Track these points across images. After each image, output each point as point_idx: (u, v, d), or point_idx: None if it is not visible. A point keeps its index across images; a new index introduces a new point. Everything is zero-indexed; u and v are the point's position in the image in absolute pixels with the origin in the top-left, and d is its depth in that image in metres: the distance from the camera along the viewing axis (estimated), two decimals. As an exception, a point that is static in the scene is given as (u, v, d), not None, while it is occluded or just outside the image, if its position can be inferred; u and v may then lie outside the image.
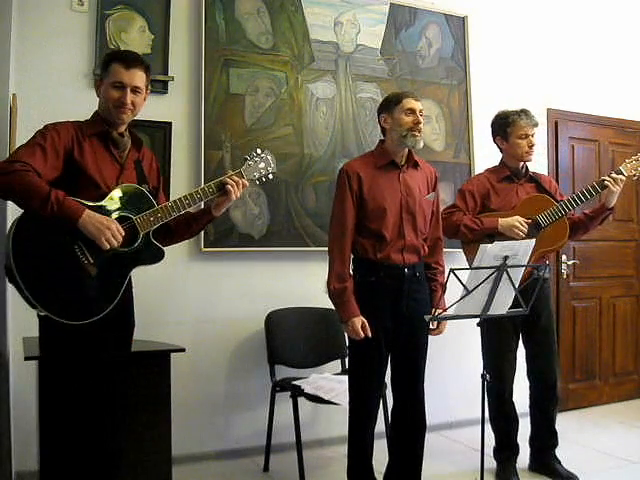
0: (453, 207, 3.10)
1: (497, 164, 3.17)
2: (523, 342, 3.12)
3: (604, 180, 2.92)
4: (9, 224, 2.71)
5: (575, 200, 2.92)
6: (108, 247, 2.03)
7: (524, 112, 3.05)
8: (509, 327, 3.01)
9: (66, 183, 2.04)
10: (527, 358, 3.13)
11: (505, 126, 3.07)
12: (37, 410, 2.52)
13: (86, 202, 2.04)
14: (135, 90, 2.16)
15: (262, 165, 2.41)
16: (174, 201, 2.21)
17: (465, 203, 3.06)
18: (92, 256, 2.04)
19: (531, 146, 3.03)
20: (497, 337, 3.02)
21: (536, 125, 3.05)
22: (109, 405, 2.19)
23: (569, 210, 2.94)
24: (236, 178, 2.29)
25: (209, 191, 2.26)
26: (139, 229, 2.14)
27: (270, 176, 2.44)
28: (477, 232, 2.96)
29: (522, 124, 3.03)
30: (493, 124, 3.15)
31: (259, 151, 2.43)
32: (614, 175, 2.92)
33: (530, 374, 3.14)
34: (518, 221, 2.90)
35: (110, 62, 2.18)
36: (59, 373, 2.10)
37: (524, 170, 3.11)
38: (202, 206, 2.40)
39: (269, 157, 2.43)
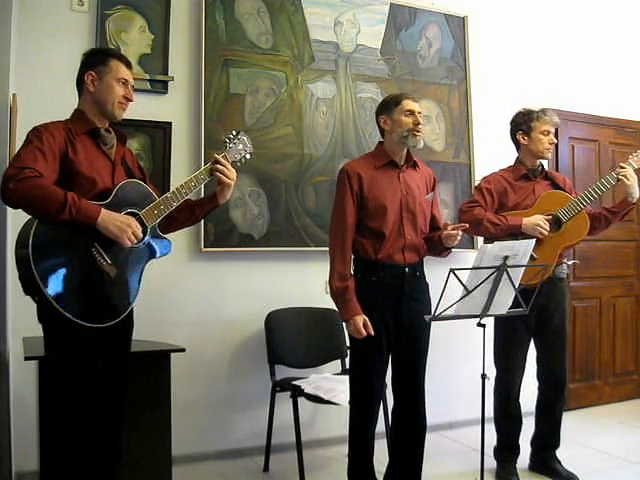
0: (473, 202, 3.09)
1: (512, 164, 3.17)
2: (534, 342, 3.12)
3: (618, 175, 2.95)
4: (9, 226, 2.73)
5: (593, 192, 2.95)
6: (130, 245, 2.05)
7: (546, 110, 3.09)
8: (521, 327, 3.00)
9: (62, 184, 2.02)
10: (538, 358, 3.14)
11: (529, 121, 3.08)
12: (37, 410, 2.52)
13: (95, 202, 2.05)
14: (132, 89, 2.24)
15: (240, 147, 2.45)
16: (172, 192, 2.24)
17: (484, 199, 3.06)
18: (110, 257, 2.06)
19: (551, 143, 3.07)
20: (508, 337, 3.04)
21: (556, 124, 3.10)
22: (109, 405, 2.19)
23: (587, 203, 2.95)
24: (221, 167, 2.30)
25: (201, 177, 2.30)
26: (146, 223, 2.16)
27: (248, 156, 2.49)
28: (500, 228, 2.96)
29: (546, 120, 3.07)
30: (515, 119, 3.15)
31: (235, 133, 2.46)
32: (620, 170, 2.96)
33: (540, 374, 3.14)
34: (541, 220, 2.92)
35: (109, 58, 2.18)
36: (63, 374, 2.08)
37: (540, 168, 3.13)
38: (202, 190, 2.43)
39: (245, 138, 2.47)
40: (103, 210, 2.01)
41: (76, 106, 2.23)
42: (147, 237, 2.18)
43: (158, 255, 2.27)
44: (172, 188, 3.16)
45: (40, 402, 2.41)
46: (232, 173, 2.34)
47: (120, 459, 2.27)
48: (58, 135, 2.07)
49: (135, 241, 2.07)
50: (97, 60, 2.19)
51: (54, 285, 1.95)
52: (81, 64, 2.22)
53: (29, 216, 2.03)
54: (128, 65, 2.23)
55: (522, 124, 3.10)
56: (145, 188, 2.24)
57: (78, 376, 2.07)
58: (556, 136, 4.20)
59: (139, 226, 2.10)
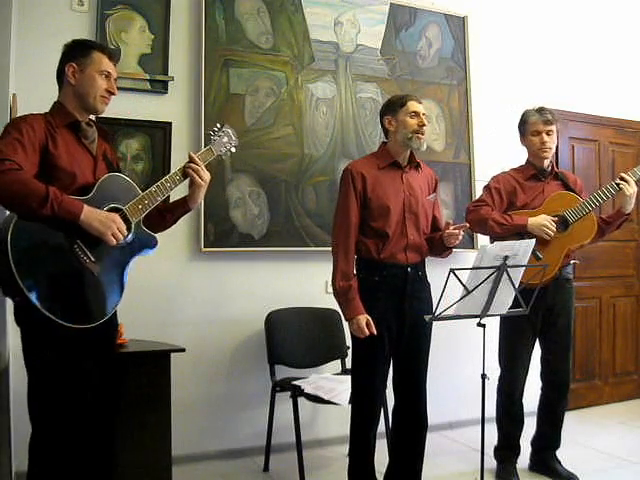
0: (481, 201, 3.09)
1: (523, 164, 3.15)
2: (540, 342, 3.12)
3: (619, 183, 2.91)
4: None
5: (598, 197, 2.92)
6: (115, 242, 1.99)
7: (539, 109, 3.06)
8: (527, 327, 3.00)
9: (42, 179, 1.92)
10: (542, 358, 3.14)
11: (522, 124, 3.10)
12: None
13: (77, 197, 1.97)
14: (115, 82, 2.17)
15: (225, 139, 2.42)
16: (156, 186, 2.17)
17: (492, 198, 3.06)
18: (93, 254, 1.99)
19: (543, 142, 3.01)
20: (513, 336, 3.04)
21: (547, 122, 3.02)
22: (100, 410, 2.11)
23: (596, 205, 2.93)
24: (195, 166, 2.25)
25: (177, 178, 2.23)
26: (130, 219, 2.09)
27: (233, 149, 2.45)
28: (505, 227, 2.95)
29: (533, 120, 3.04)
30: (518, 124, 3.16)
31: (219, 125, 2.42)
32: (621, 180, 2.92)
33: (543, 375, 3.13)
34: (547, 220, 2.90)
35: (91, 50, 2.12)
36: (46, 379, 1.98)
37: (550, 168, 3.10)
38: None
39: (230, 130, 2.44)
40: (86, 206, 1.93)
41: (56, 99, 2.15)
42: (131, 233, 2.10)
43: (143, 253, 2.20)
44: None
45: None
46: (206, 174, 2.29)
47: (115, 462, 2.19)
48: (38, 127, 1.98)
49: (121, 238, 2.00)
50: (78, 51, 2.11)
51: (36, 285, 1.84)
52: (62, 55, 2.14)
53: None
54: (111, 57, 2.15)
55: (520, 127, 3.11)
56: (128, 182, 2.17)
57: (63, 380, 1.98)
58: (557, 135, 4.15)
59: (122, 222, 2.03)
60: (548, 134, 3.03)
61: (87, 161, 2.11)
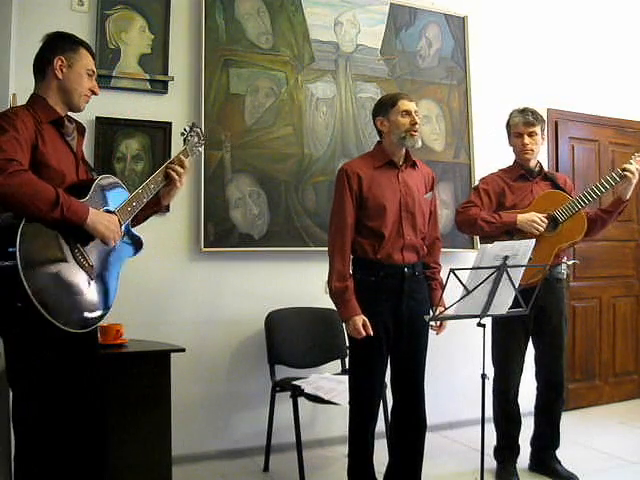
0: (469, 203, 3.09)
1: (511, 164, 3.15)
2: (533, 343, 3.12)
3: (625, 170, 2.87)
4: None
5: (592, 192, 2.89)
6: (114, 245, 2.00)
7: (523, 110, 3.05)
8: (519, 327, 3.00)
9: None
10: (536, 359, 3.13)
11: (507, 125, 3.11)
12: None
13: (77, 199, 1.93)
14: None
15: (196, 140, 2.44)
16: (142, 188, 2.16)
17: (480, 199, 3.06)
18: (90, 257, 1.97)
19: (524, 145, 3.01)
20: (506, 337, 3.03)
21: (529, 123, 3.00)
22: (89, 414, 2.07)
23: (586, 204, 2.91)
24: (179, 169, 2.26)
25: (159, 180, 2.24)
26: (121, 221, 2.07)
27: (201, 149, 2.51)
28: (494, 226, 2.95)
29: (515, 122, 3.05)
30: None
31: (190, 125, 2.46)
32: (628, 166, 2.88)
33: (538, 375, 3.13)
34: (537, 216, 2.90)
35: (79, 47, 2.07)
36: (49, 379, 1.93)
37: (537, 168, 3.10)
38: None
39: (198, 130, 2.47)
40: (91, 209, 1.91)
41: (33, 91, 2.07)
42: (124, 236, 2.10)
43: (136, 254, 2.21)
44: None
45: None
46: (185, 176, 2.30)
47: (107, 464, 2.14)
48: (29, 123, 1.91)
49: (119, 241, 2.01)
50: (68, 46, 2.04)
51: (41, 290, 1.77)
52: (47, 46, 2.05)
53: None
54: (94, 57, 2.13)
55: (505, 127, 3.13)
56: (118, 184, 2.16)
57: (64, 380, 1.95)
58: (556, 136, 4.18)
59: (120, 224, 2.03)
60: (530, 135, 3.02)
61: (70, 159, 2.06)
